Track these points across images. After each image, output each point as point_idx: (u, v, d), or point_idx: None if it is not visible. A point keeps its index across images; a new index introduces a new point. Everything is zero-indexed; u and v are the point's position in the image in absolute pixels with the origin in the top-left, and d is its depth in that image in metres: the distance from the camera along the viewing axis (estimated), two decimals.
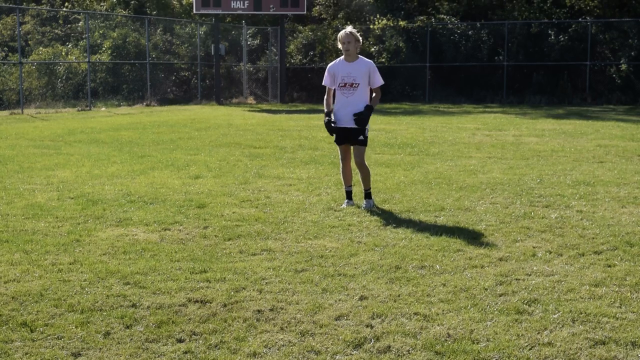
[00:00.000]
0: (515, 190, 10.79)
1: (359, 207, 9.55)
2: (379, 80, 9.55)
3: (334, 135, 9.76)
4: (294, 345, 4.99)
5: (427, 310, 5.61)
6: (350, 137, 9.68)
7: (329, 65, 9.83)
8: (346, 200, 9.83)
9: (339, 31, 10.07)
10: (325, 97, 9.88)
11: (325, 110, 9.84)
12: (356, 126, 9.54)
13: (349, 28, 9.69)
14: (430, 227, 8.41)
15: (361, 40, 9.68)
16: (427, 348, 4.94)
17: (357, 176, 9.89)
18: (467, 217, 8.92)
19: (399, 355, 4.86)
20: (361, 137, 9.63)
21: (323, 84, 9.86)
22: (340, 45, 9.62)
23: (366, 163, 9.79)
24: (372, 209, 9.42)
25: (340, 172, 10.03)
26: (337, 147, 9.96)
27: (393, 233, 8.11)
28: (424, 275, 6.54)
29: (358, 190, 10.23)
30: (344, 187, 9.96)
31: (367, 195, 9.71)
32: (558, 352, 4.88)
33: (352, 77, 9.54)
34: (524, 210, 9.36)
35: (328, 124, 9.73)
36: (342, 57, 9.71)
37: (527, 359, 4.78)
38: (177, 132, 20.03)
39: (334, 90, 9.70)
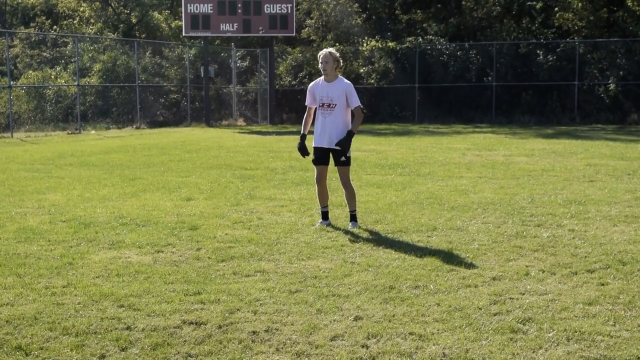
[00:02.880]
0: (507, 209, 10.82)
1: (333, 227, 9.59)
2: (355, 101, 9.58)
3: (308, 156, 9.82)
4: None
5: (422, 330, 5.61)
6: (329, 159, 9.80)
7: (310, 85, 9.92)
8: (320, 220, 9.84)
9: None
10: (305, 116, 9.96)
11: (302, 131, 9.91)
12: (337, 148, 9.60)
13: (329, 48, 9.79)
14: (423, 247, 8.42)
15: (340, 61, 9.74)
16: None
17: (341, 197, 9.89)
18: (459, 237, 8.94)
19: None
20: (343, 158, 9.68)
21: (305, 103, 9.93)
22: (319, 65, 9.67)
23: (352, 184, 9.82)
24: (361, 230, 9.43)
25: (316, 193, 10.04)
26: (314, 168, 9.99)
27: (386, 253, 8.12)
28: (418, 295, 6.55)
29: (343, 212, 10.22)
30: (319, 208, 9.96)
31: (353, 217, 9.73)
32: None
33: (330, 97, 9.62)
34: (516, 229, 9.38)
35: (301, 148, 9.82)
36: (322, 77, 9.76)
37: None
38: (167, 154, 20.03)
39: (315, 109, 9.78)
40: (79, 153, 20.73)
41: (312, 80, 39.95)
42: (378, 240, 8.80)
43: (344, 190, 9.80)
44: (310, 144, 9.73)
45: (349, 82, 9.80)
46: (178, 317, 5.94)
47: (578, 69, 36.27)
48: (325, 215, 9.88)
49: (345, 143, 9.51)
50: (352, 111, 9.69)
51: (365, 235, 9.12)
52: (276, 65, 39.76)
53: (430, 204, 11.27)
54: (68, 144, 24.76)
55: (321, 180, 9.84)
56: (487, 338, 5.43)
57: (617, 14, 38.36)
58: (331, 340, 5.42)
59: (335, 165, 9.79)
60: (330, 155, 9.76)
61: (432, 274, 7.24)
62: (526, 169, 15.97)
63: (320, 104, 9.68)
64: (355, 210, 9.78)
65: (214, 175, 15.06)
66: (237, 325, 5.73)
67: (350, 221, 9.70)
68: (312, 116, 9.90)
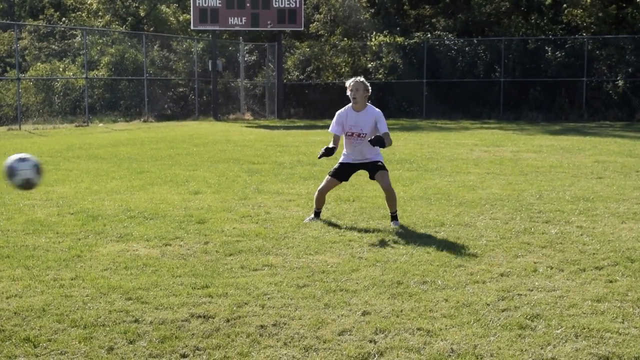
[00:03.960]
0: (515, 205, 10.80)
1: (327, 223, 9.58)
2: (384, 127, 9.52)
3: (331, 155, 9.68)
4: None
5: (430, 325, 5.61)
6: (349, 177, 9.87)
7: (337, 113, 9.76)
8: (312, 216, 9.81)
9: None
10: (331, 143, 9.71)
11: (331, 145, 9.67)
12: (369, 160, 9.65)
13: (359, 77, 9.73)
14: (431, 242, 8.41)
15: (370, 90, 9.64)
16: None
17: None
18: (467, 233, 8.93)
19: None
20: (380, 162, 9.69)
21: (329, 130, 9.82)
22: (348, 93, 9.61)
23: (392, 186, 9.73)
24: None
25: (315, 196, 9.90)
26: (326, 178, 9.88)
27: (394, 248, 8.11)
28: (426, 290, 6.55)
29: (351, 207, 10.20)
30: (314, 207, 9.91)
31: (394, 217, 9.63)
32: None
33: (359, 127, 9.57)
34: (524, 225, 9.37)
35: (328, 150, 9.55)
36: (350, 104, 9.68)
37: None
38: (175, 147, 20.04)
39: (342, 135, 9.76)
40: (87, 146, 20.76)
41: (319, 75, 40.23)
42: (386, 235, 8.79)
43: (385, 194, 9.67)
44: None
45: (378, 110, 9.74)
46: (186, 310, 5.94)
47: (586, 65, 36.19)
48: (317, 215, 9.86)
49: (378, 140, 9.30)
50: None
51: (372, 230, 9.12)
52: (284, 60, 39.74)
53: (438, 200, 11.26)
54: (76, 137, 24.80)
55: (325, 192, 9.82)
56: (495, 334, 5.43)
57: (626, 10, 38.27)
58: (339, 335, 5.41)
59: (373, 175, 9.74)
60: (355, 173, 9.87)
61: (440, 269, 7.24)
62: (534, 165, 15.94)
63: (349, 133, 9.64)
64: (396, 211, 9.70)
65: (221, 169, 15.07)
66: (245, 319, 5.73)
67: (392, 221, 9.58)
68: (338, 141, 9.79)
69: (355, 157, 9.74)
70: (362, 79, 9.66)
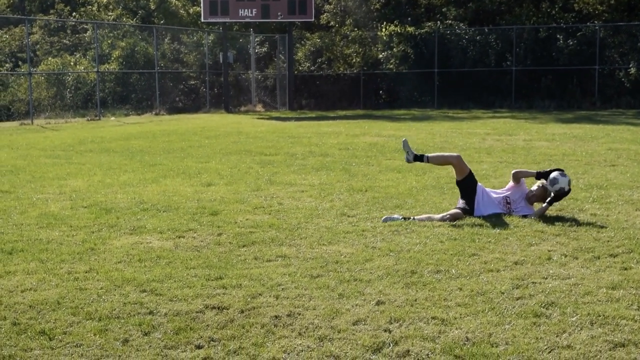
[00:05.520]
0: None
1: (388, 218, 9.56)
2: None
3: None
4: (313, 351, 4.99)
5: (444, 314, 5.60)
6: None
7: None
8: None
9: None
10: None
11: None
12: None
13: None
14: (444, 231, 8.40)
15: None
16: (446, 352, 4.93)
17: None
18: (481, 222, 8.91)
19: (418, 359, 4.86)
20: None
21: None
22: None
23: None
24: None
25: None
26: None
27: (407, 238, 8.10)
28: (440, 279, 6.54)
29: (364, 197, 10.15)
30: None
31: None
32: (578, 354, 4.87)
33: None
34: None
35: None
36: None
37: None
38: (187, 140, 20.06)
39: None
40: (99, 139, 20.80)
41: (330, 66, 40.19)
42: (399, 225, 8.77)
43: None
44: None
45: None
46: (200, 301, 5.95)
47: (598, 53, 36.01)
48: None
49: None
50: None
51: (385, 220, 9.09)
52: (295, 51, 39.68)
53: (450, 189, 11.23)
54: (88, 131, 24.84)
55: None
56: (510, 322, 5.41)
57: None
58: (354, 325, 5.41)
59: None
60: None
61: (454, 258, 7.22)
62: (547, 153, 15.89)
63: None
64: None
65: (233, 161, 15.07)
66: (259, 310, 5.74)
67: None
68: None
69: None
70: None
